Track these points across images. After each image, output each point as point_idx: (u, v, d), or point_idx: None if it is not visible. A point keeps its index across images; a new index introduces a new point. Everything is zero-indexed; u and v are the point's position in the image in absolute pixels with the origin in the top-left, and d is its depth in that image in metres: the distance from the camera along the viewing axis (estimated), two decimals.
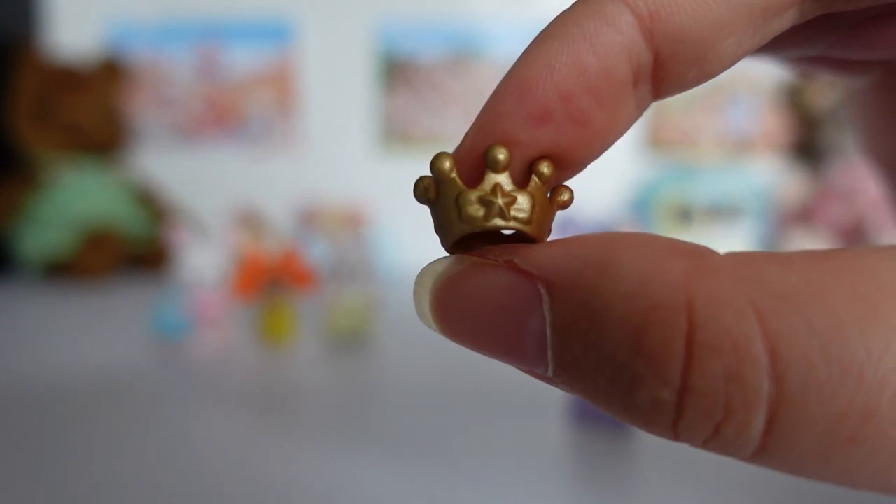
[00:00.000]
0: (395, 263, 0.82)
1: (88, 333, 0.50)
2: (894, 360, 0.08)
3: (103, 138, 0.82)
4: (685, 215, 0.90)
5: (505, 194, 0.11)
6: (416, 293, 0.12)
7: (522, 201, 0.11)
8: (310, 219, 0.88)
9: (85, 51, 0.90)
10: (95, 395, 0.35)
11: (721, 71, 0.12)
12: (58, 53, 0.85)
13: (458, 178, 0.11)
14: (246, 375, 0.39)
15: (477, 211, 0.11)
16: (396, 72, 0.95)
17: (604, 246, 0.10)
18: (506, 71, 0.12)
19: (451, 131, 0.95)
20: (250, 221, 0.83)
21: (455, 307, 0.11)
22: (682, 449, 0.28)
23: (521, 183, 0.11)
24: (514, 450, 0.28)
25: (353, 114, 0.96)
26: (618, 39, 0.11)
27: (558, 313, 0.10)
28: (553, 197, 0.12)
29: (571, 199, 0.12)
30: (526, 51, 0.11)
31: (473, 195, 0.11)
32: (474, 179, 0.11)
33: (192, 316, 0.49)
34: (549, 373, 0.10)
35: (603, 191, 0.94)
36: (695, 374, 0.09)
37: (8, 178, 0.80)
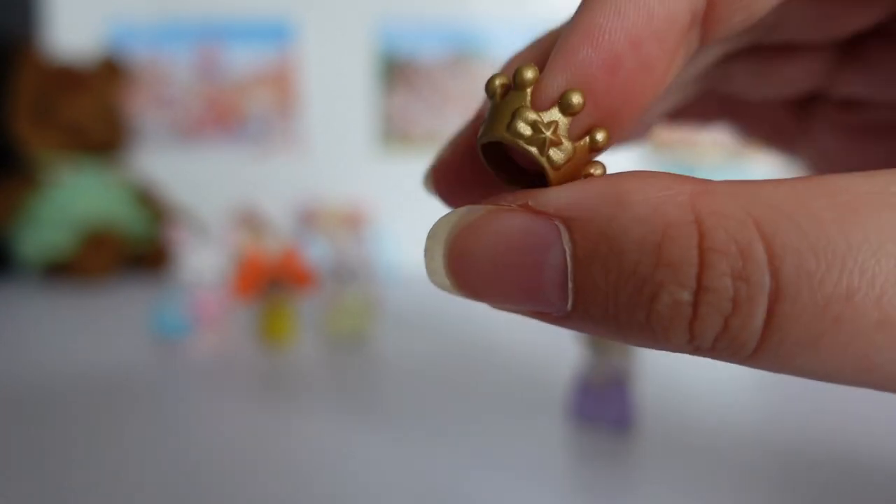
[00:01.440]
0: (395, 263, 0.82)
1: (88, 333, 0.50)
2: (871, 249, 0.09)
3: (103, 138, 0.82)
4: None
5: (556, 134, 0.12)
6: (427, 248, 0.13)
7: (564, 150, 0.12)
8: (310, 219, 0.88)
9: (85, 51, 0.90)
10: (95, 394, 0.35)
11: (763, 13, 0.13)
12: (57, 53, 0.85)
13: (529, 94, 0.12)
14: (246, 375, 0.39)
15: (525, 130, 0.12)
16: (396, 72, 0.95)
17: (614, 182, 0.11)
18: None
19: (452, 131, 0.95)
20: (250, 221, 0.83)
21: (471, 255, 0.12)
22: (682, 449, 0.28)
23: (575, 136, 0.12)
24: (513, 450, 0.28)
25: (353, 114, 0.96)
26: None
27: (579, 244, 0.11)
28: (580, 134, 0.12)
29: (607, 140, 0.12)
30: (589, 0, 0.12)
31: (531, 116, 0.12)
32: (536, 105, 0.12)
33: (191, 316, 0.49)
34: (569, 305, 0.11)
35: None
36: (707, 275, 0.10)
37: (7, 178, 0.80)
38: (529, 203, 0.11)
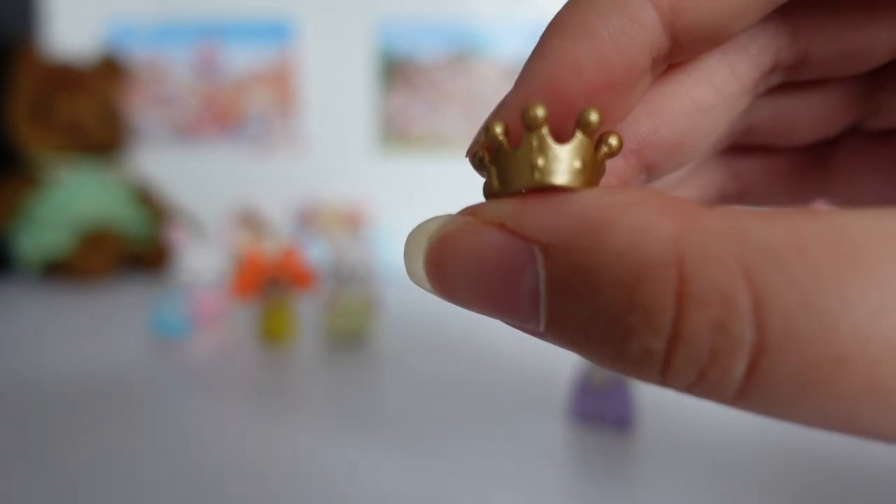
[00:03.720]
0: (395, 263, 0.82)
1: (87, 333, 0.50)
2: (868, 311, 0.09)
3: (102, 138, 0.82)
4: None
5: (549, 152, 0.11)
6: (407, 253, 0.12)
7: (568, 156, 0.11)
8: (309, 219, 0.88)
9: (84, 50, 0.90)
10: (94, 394, 0.35)
11: (727, 40, 0.13)
12: (57, 53, 0.85)
13: (506, 142, 0.12)
14: (245, 375, 0.39)
15: (525, 171, 0.11)
16: (396, 71, 0.95)
17: (596, 207, 0.10)
18: (509, 69, 0.12)
19: (451, 131, 0.95)
20: (249, 221, 0.83)
21: (448, 265, 0.12)
22: (682, 448, 0.28)
23: (563, 137, 0.12)
24: (513, 449, 0.28)
25: (353, 113, 0.96)
26: (641, 37, 0.12)
27: (552, 272, 0.10)
28: (597, 146, 0.12)
29: (620, 143, 0.12)
30: (549, 43, 0.12)
31: (518, 155, 0.11)
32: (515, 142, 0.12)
33: (191, 316, 0.48)
34: (541, 328, 0.11)
35: None
36: (684, 325, 0.09)
37: (7, 177, 0.80)
38: (507, 224, 0.11)
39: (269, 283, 0.46)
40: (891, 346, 0.09)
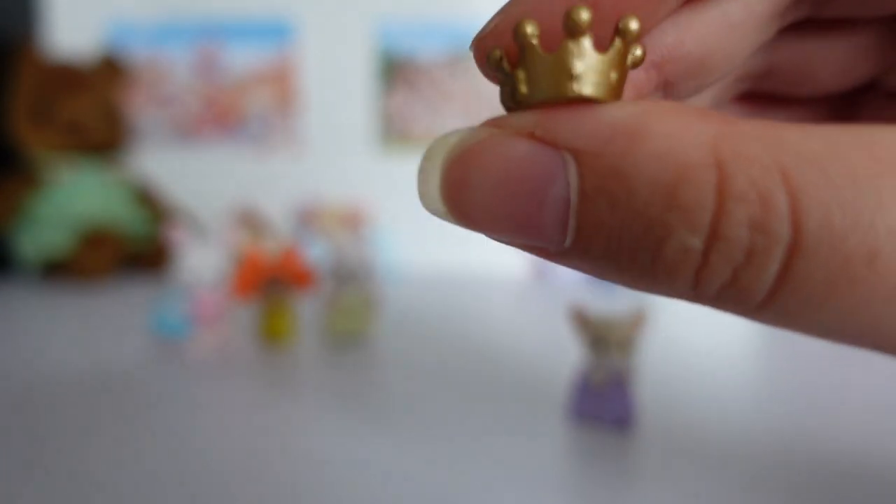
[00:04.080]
0: (395, 263, 0.82)
1: (87, 333, 0.50)
2: None
3: (102, 137, 0.82)
4: None
5: (588, 61, 0.11)
6: (422, 170, 0.12)
7: (605, 66, 0.11)
8: (309, 218, 0.88)
9: (84, 50, 0.90)
10: (94, 394, 0.35)
11: None
12: (57, 52, 0.85)
13: (538, 45, 0.11)
14: (245, 375, 0.39)
15: (561, 79, 0.11)
16: (396, 71, 0.95)
17: (631, 113, 0.10)
18: None
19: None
20: (250, 221, 0.83)
21: (469, 182, 0.11)
22: (682, 448, 0.28)
23: (602, 45, 0.11)
24: (513, 449, 0.28)
25: (353, 113, 0.96)
26: None
27: (586, 178, 0.10)
28: (626, 55, 0.11)
29: (644, 54, 0.12)
30: None
31: (554, 61, 0.11)
32: (550, 45, 0.11)
33: (191, 316, 0.48)
34: (568, 242, 0.10)
35: None
36: (723, 222, 0.09)
37: (7, 177, 0.80)
38: (537, 132, 0.10)
39: (269, 283, 0.46)
40: None
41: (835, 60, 0.16)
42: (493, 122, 0.11)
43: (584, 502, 0.24)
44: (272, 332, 0.46)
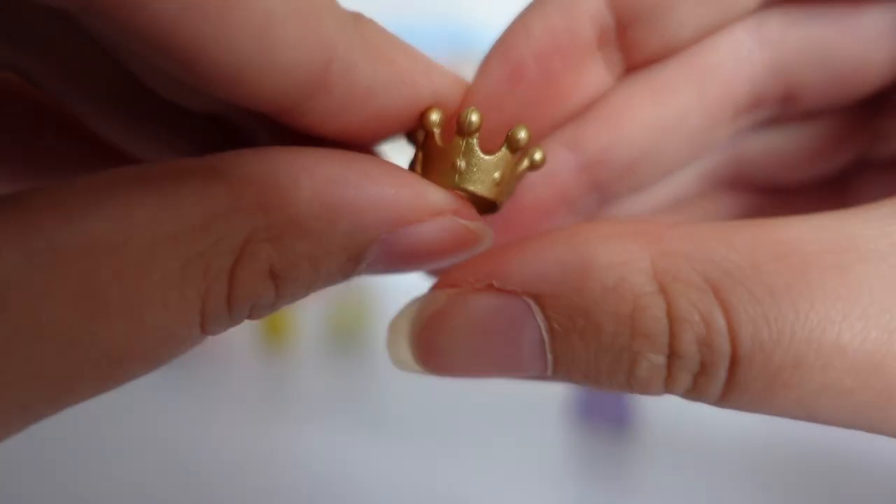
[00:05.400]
0: None
1: None
2: (817, 318, 0.10)
3: None
4: None
5: (472, 159, 0.12)
6: (390, 342, 0.13)
7: (489, 166, 0.12)
8: None
9: None
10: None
11: (682, 42, 0.13)
12: None
13: (436, 136, 0.12)
14: (245, 375, 0.39)
15: (445, 170, 0.12)
16: None
17: (574, 247, 0.11)
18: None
19: None
20: None
21: (442, 343, 0.12)
22: (682, 448, 0.28)
23: (491, 148, 0.12)
24: (514, 449, 0.28)
25: None
26: (583, 6, 0.12)
27: (552, 318, 0.11)
28: (518, 159, 0.12)
29: (544, 159, 0.13)
30: (511, 21, 0.13)
31: (442, 153, 0.12)
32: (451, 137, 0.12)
33: None
34: (549, 371, 0.11)
35: None
36: (677, 342, 0.11)
37: None
38: (494, 284, 0.11)
39: None
40: (839, 349, 0.10)
41: (808, 150, 0.16)
42: (447, 280, 0.12)
43: (584, 502, 0.24)
44: (272, 332, 0.46)
